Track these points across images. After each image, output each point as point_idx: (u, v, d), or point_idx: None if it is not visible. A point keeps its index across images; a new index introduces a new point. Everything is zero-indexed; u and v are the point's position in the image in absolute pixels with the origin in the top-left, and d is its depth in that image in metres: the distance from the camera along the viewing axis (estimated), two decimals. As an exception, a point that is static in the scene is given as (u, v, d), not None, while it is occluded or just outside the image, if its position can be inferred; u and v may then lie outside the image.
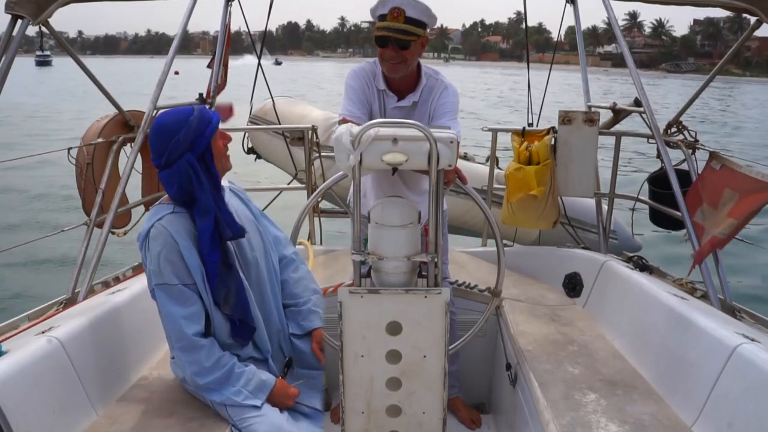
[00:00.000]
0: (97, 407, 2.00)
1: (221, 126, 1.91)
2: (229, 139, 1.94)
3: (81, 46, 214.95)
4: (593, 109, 3.40)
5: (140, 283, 2.53)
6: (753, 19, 2.88)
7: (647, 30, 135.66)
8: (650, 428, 1.90)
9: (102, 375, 2.07)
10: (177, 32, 3.54)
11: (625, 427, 1.89)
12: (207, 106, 3.65)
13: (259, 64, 4.00)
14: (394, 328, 1.82)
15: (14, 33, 2.48)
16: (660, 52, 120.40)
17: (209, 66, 3.82)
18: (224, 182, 2.07)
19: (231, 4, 3.83)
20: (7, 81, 2.37)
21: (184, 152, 1.80)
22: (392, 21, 2.28)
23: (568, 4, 3.92)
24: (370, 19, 2.39)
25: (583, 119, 3.19)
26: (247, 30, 4.04)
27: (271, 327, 2.07)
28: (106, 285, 2.76)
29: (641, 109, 3.22)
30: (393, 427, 1.91)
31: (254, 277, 2.01)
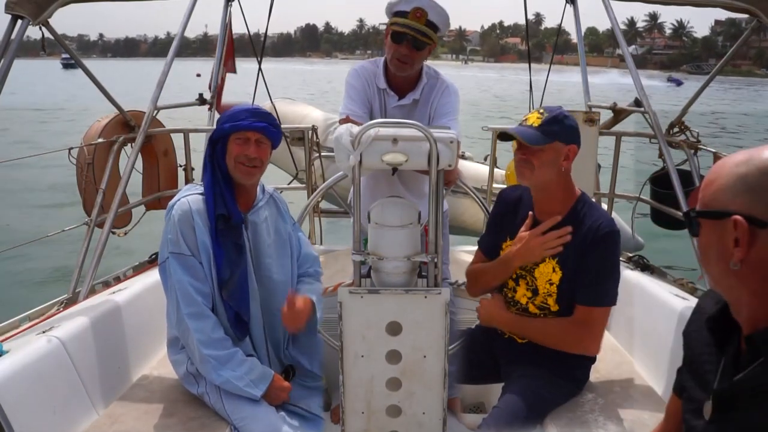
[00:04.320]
0: (98, 407, 2.00)
1: None
2: (250, 151, 1.93)
3: (102, 49, 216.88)
4: (593, 109, 3.40)
5: (141, 282, 2.54)
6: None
7: (668, 31, 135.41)
8: (649, 427, 1.90)
9: (102, 374, 2.07)
10: (177, 33, 3.56)
11: (624, 426, 1.89)
12: (208, 106, 3.68)
13: (260, 66, 4.00)
14: (394, 328, 1.82)
15: (14, 33, 2.49)
16: (680, 53, 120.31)
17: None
18: (268, 188, 2.15)
19: (231, 5, 3.83)
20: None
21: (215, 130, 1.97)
22: (414, 20, 2.29)
23: (568, 5, 3.92)
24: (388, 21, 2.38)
25: (584, 119, 3.19)
26: (247, 30, 4.04)
27: (273, 334, 2.08)
28: (107, 285, 2.76)
29: (642, 109, 3.22)
30: (393, 427, 1.91)
31: (264, 281, 2.03)
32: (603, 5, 3.35)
